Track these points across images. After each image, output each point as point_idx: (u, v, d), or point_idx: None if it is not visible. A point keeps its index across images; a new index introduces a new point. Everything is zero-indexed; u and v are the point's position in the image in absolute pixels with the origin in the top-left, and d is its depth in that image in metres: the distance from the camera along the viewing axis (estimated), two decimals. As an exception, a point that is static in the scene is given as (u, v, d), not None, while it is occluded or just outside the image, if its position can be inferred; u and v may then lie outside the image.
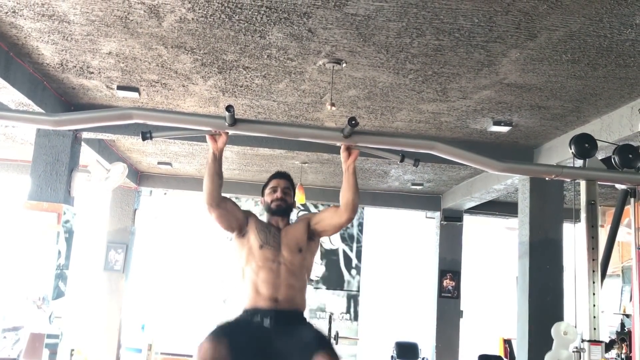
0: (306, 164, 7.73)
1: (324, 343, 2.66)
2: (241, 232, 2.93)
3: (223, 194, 2.86)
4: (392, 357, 9.07)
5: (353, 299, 9.71)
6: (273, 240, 2.87)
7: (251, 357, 2.61)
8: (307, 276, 2.96)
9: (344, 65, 4.40)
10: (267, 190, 3.05)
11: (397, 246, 10.37)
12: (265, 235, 2.88)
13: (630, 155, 2.92)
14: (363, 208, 9.87)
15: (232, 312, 2.92)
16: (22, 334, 5.67)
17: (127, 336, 8.97)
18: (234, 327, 2.76)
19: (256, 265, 2.83)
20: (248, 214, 2.98)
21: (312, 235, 2.98)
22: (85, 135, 6.28)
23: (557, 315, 5.97)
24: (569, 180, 3.03)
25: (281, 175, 3.10)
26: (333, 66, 4.41)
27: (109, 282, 8.95)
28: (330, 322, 6.98)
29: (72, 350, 7.03)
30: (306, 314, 2.95)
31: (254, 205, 9.25)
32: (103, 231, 9.12)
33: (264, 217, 3.11)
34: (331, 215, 2.97)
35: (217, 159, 2.75)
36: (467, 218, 9.53)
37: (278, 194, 2.99)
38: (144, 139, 2.72)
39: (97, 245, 9.10)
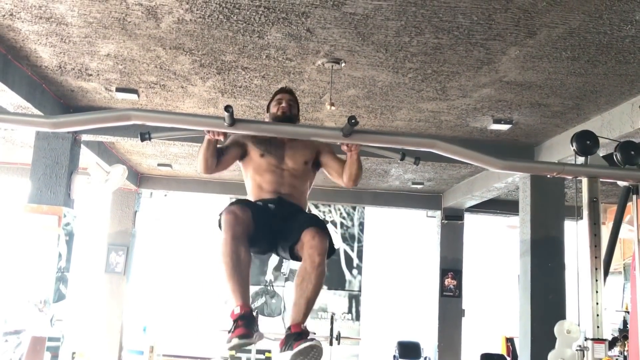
0: (306, 164, 7.71)
1: (317, 221, 2.67)
2: (242, 156, 2.96)
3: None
4: (394, 356, 9.06)
5: (354, 299, 9.69)
6: (275, 150, 2.88)
7: (262, 227, 2.64)
8: (308, 188, 2.98)
9: (343, 64, 4.38)
10: (272, 103, 3.04)
11: (398, 245, 10.35)
12: (265, 146, 2.88)
13: (632, 152, 2.90)
14: (364, 207, 9.86)
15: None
16: (23, 338, 5.65)
17: (128, 338, 8.96)
18: (250, 202, 2.83)
19: (259, 169, 2.87)
20: (244, 137, 2.95)
21: (315, 165, 2.99)
22: (84, 137, 6.27)
23: (560, 313, 5.95)
24: (570, 177, 3.01)
25: (286, 90, 3.08)
26: (332, 66, 4.40)
27: (110, 284, 8.94)
28: (332, 322, 6.96)
29: (74, 353, 7.01)
30: None
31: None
32: (104, 233, 9.11)
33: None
34: (337, 169, 2.93)
35: (213, 144, 2.74)
36: (468, 217, 9.51)
37: (284, 104, 2.97)
38: (142, 140, 2.70)
39: (98, 248, 9.09)
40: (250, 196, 2.92)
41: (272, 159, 2.87)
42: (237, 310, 2.41)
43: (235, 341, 2.34)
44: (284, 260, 8.88)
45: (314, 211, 9.73)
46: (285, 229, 2.70)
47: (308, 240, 2.54)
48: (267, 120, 3.04)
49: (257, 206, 2.75)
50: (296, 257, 2.69)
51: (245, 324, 2.38)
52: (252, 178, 2.93)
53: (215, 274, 9.59)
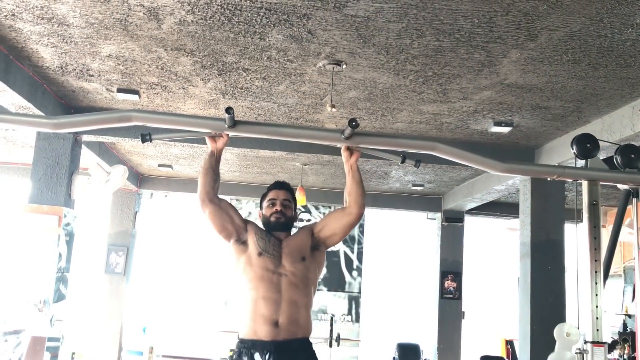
0: (307, 166, 7.72)
1: None
2: (239, 239, 2.71)
3: (223, 196, 2.79)
4: (393, 358, 9.05)
5: (354, 301, 9.69)
6: (273, 249, 2.64)
7: None
8: (312, 290, 2.69)
9: (344, 66, 4.39)
10: (265, 203, 2.82)
11: (398, 247, 10.35)
12: (264, 243, 2.65)
13: (633, 155, 2.91)
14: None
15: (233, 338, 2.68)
16: (23, 338, 5.65)
17: (128, 339, 8.96)
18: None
19: (254, 276, 2.58)
20: (248, 222, 2.77)
21: (317, 245, 2.74)
22: (85, 138, 6.27)
23: (559, 316, 5.95)
24: (570, 180, 3.02)
25: (280, 185, 2.87)
26: (333, 67, 4.40)
27: (110, 284, 8.95)
28: (331, 324, 6.96)
29: (73, 353, 7.02)
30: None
31: (255, 207, 9.23)
32: (104, 234, 9.11)
33: None
34: (337, 216, 2.76)
35: (215, 156, 2.70)
36: (468, 219, 9.52)
37: (277, 207, 2.77)
38: (143, 141, 2.71)
39: (98, 248, 9.10)
40: (244, 321, 2.59)
41: (269, 261, 2.61)
42: None
43: None
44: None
45: (314, 213, 9.74)
46: None
47: None
48: (260, 219, 2.85)
49: None
50: None
51: None
52: (246, 290, 2.61)
53: (215, 275, 9.59)
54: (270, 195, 2.83)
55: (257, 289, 2.57)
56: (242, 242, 2.71)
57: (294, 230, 2.86)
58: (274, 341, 2.49)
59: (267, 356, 2.48)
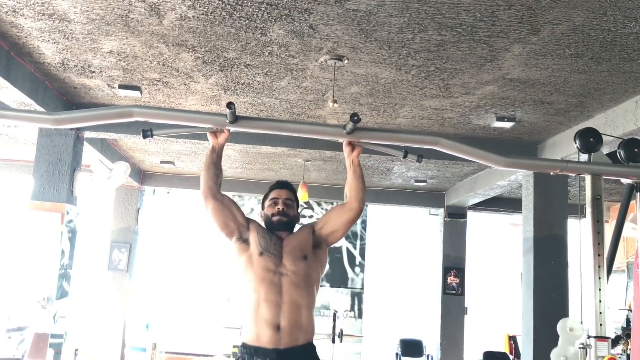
0: (309, 162, 7.71)
1: None
2: (241, 237, 2.69)
3: (225, 192, 2.77)
4: (396, 354, 9.06)
5: (357, 297, 9.69)
6: (274, 248, 2.62)
7: None
8: (315, 289, 2.67)
9: (346, 61, 4.37)
10: (267, 203, 2.80)
11: (400, 243, 10.35)
12: (265, 242, 2.63)
13: (636, 150, 2.89)
14: (367, 205, 9.85)
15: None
16: (26, 334, 5.66)
17: (131, 335, 8.97)
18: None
19: (256, 277, 2.58)
20: (250, 220, 2.74)
21: (319, 243, 2.71)
22: (87, 134, 6.27)
23: (562, 311, 5.94)
24: (573, 175, 2.99)
25: (282, 185, 2.85)
26: (335, 63, 4.39)
27: (112, 281, 8.96)
28: (334, 320, 6.96)
29: (77, 350, 7.02)
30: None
31: (257, 203, 9.23)
32: (106, 231, 9.12)
33: None
34: (338, 213, 2.73)
35: (216, 151, 2.69)
36: (471, 214, 9.50)
37: (279, 207, 2.74)
38: (144, 136, 2.70)
39: (101, 245, 9.11)
40: (247, 324, 2.58)
41: (270, 261, 2.59)
42: None
43: None
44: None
45: (317, 209, 9.74)
46: None
47: None
48: (262, 218, 2.83)
49: None
50: None
51: None
52: (248, 291, 2.61)
53: (218, 271, 9.60)
54: (272, 194, 2.82)
55: (258, 291, 2.56)
56: (244, 241, 2.69)
57: (296, 229, 2.84)
58: (276, 349, 2.48)
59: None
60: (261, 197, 2.98)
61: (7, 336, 5.57)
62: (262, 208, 2.84)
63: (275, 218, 2.73)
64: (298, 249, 2.65)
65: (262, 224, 2.81)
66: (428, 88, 4.89)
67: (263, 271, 2.58)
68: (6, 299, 5.89)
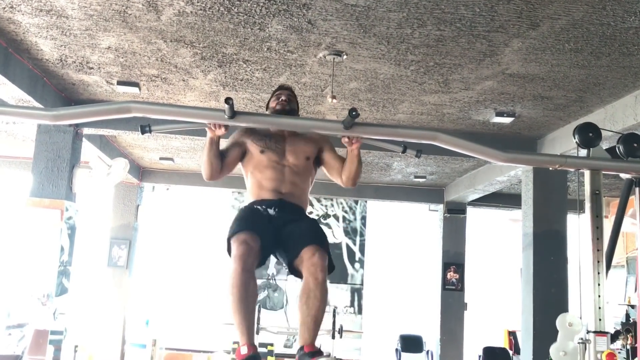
0: (308, 158, 7.70)
1: (317, 236, 2.65)
2: (244, 155, 2.90)
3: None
4: (396, 350, 9.06)
5: (357, 293, 9.69)
6: (275, 145, 2.83)
7: (265, 242, 2.62)
8: (310, 184, 2.94)
9: (345, 57, 4.36)
10: (272, 99, 3.03)
11: (400, 239, 10.34)
12: (265, 142, 2.83)
13: (635, 145, 2.87)
14: (366, 201, 9.85)
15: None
16: (26, 331, 5.67)
17: (131, 332, 8.97)
18: (251, 216, 2.76)
19: (260, 166, 2.81)
20: (241, 135, 2.90)
21: (317, 162, 2.94)
22: (86, 131, 6.26)
23: (562, 306, 5.94)
24: (572, 170, 2.99)
25: (284, 86, 3.09)
26: (334, 58, 4.38)
27: (112, 278, 8.96)
28: (334, 316, 6.96)
29: (76, 346, 7.02)
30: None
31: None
32: (106, 227, 9.12)
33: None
34: (337, 167, 2.90)
35: (215, 143, 2.72)
36: (470, 210, 9.50)
37: (283, 98, 2.95)
38: (143, 132, 2.69)
39: (100, 242, 9.10)
40: (251, 195, 2.86)
41: (273, 154, 2.81)
42: (244, 351, 2.43)
43: None
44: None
45: (316, 205, 9.73)
46: (285, 238, 2.67)
47: (308, 258, 2.52)
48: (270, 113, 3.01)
49: (260, 222, 2.69)
50: (294, 271, 2.66)
51: None
52: (252, 176, 2.87)
53: (217, 268, 9.60)
54: (277, 92, 3.03)
55: (262, 173, 2.81)
56: (246, 154, 2.88)
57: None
58: (279, 199, 2.76)
59: (272, 208, 2.72)
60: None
61: (7, 333, 5.57)
62: (267, 108, 3.04)
63: (279, 106, 2.93)
64: (301, 150, 2.87)
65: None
66: (427, 83, 4.88)
67: (267, 162, 2.81)
68: (6, 296, 5.89)
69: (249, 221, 2.66)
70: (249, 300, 2.48)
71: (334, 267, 2.64)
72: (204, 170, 2.77)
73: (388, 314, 10.05)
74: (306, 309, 2.49)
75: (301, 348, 2.48)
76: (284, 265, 2.77)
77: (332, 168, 2.91)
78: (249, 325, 2.48)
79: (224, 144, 2.79)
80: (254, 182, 2.85)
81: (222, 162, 2.79)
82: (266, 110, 3.04)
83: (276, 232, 2.68)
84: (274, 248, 2.74)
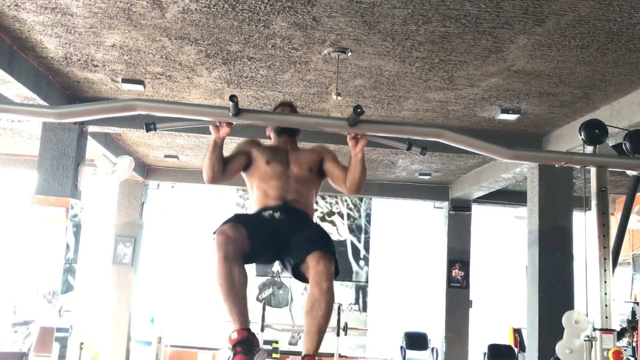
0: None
1: (322, 242, 2.64)
2: (248, 166, 2.93)
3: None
4: (401, 347, 9.06)
5: (361, 290, 9.69)
6: (280, 158, 2.88)
7: (263, 241, 2.63)
8: (314, 195, 2.96)
9: (350, 54, 4.35)
10: None
11: (405, 237, 10.32)
12: (271, 154, 2.88)
13: (642, 141, 2.86)
14: (371, 199, 9.84)
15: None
16: (32, 328, 5.69)
17: (136, 329, 9.01)
18: (248, 217, 2.84)
19: (266, 176, 2.85)
20: (247, 145, 2.95)
21: (321, 173, 2.98)
22: (91, 129, 6.27)
23: (567, 304, 5.92)
24: (578, 167, 2.97)
25: (286, 103, 3.12)
26: (338, 55, 4.37)
27: (117, 275, 8.98)
28: (339, 313, 6.96)
29: (82, 343, 7.04)
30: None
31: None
32: (111, 225, 9.14)
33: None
34: (340, 175, 2.92)
35: (219, 146, 2.72)
36: (475, 207, 9.48)
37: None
38: (147, 130, 2.69)
39: (106, 239, 9.13)
40: (256, 205, 2.87)
41: (278, 165, 2.86)
42: (235, 336, 2.43)
43: None
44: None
45: (321, 203, 9.73)
46: (290, 243, 2.67)
47: (313, 266, 2.51)
48: (269, 133, 3.06)
49: (256, 220, 2.72)
50: (300, 277, 2.66)
51: (244, 350, 2.38)
52: (257, 187, 2.89)
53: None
54: (279, 109, 3.08)
55: (268, 183, 2.84)
56: (251, 164, 2.91)
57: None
58: (284, 204, 2.77)
59: (278, 212, 2.74)
60: None
61: (13, 330, 5.60)
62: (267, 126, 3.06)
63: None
64: (304, 161, 2.93)
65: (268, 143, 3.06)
66: (432, 80, 4.86)
67: (272, 172, 2.85)
68: (12, 293, 5.91)
69: (237, 219, 2.66)
70: (235, 288, 2.48)
71: (338, 272, 2.63)
72: (205, 172, 2.77)
73: (393, 311, 10.04)
74: (310, 319, 2.50)
75: (303, 358, 2.49)
76: (288, 270, 2.76)
77: (335, 177, 2.94)
78: (239, 311, 2.48)
79: (227, 152, 2.79)
80: (260, 192, 2.87)
81: (225, 168, 2.79)
82: (266, 131, 3.07)
83: (282, 237, 2.68)
84: (280, 253, 2.75)
